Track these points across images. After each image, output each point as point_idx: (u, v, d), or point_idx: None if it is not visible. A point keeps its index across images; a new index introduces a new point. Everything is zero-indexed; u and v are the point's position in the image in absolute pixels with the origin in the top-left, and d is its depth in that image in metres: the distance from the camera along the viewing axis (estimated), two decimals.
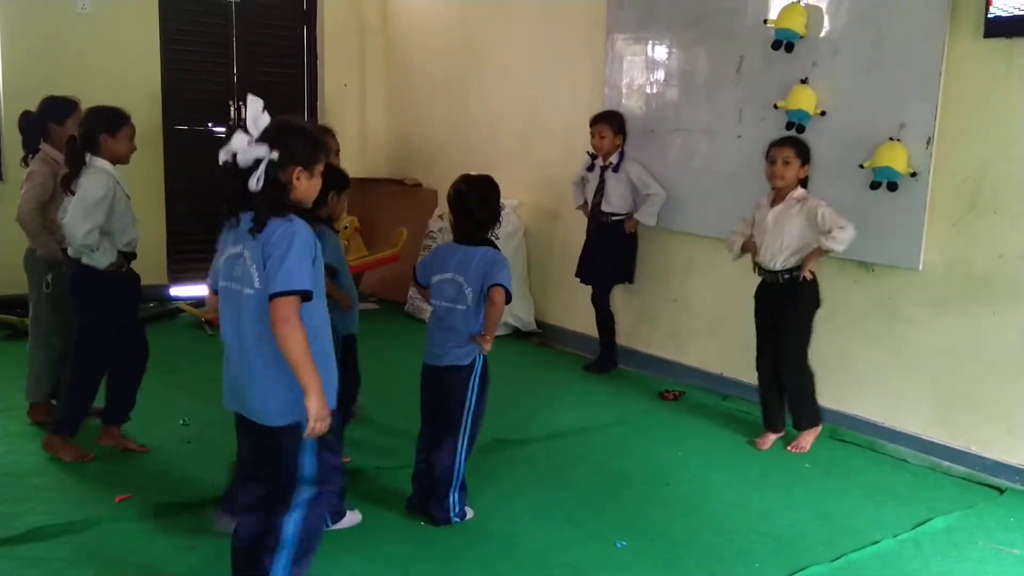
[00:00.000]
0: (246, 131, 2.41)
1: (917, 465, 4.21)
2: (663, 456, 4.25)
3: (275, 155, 2.40)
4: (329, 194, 3.60)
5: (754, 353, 4.47)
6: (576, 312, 6.12)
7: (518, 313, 6.38)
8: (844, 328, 4.54)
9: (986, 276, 4.02)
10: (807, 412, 4.38)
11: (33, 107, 4.34)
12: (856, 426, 4.53)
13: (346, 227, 6.75)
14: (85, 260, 3.82)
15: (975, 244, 4.04)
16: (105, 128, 3.83)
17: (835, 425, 4.57)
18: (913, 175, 4.13)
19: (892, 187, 4.20)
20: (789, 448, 4.34)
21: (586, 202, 5.59)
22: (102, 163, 3.83)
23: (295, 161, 2.46)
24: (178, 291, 7.09)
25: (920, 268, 4.21)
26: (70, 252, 3.88)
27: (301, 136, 2.51)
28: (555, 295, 6.36)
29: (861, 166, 4.28)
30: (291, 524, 2.56)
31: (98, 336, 3.90)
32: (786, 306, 4.24)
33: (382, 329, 6.14)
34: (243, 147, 2.40)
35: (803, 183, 4.20)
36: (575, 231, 6.05)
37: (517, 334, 6.42)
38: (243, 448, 2.67)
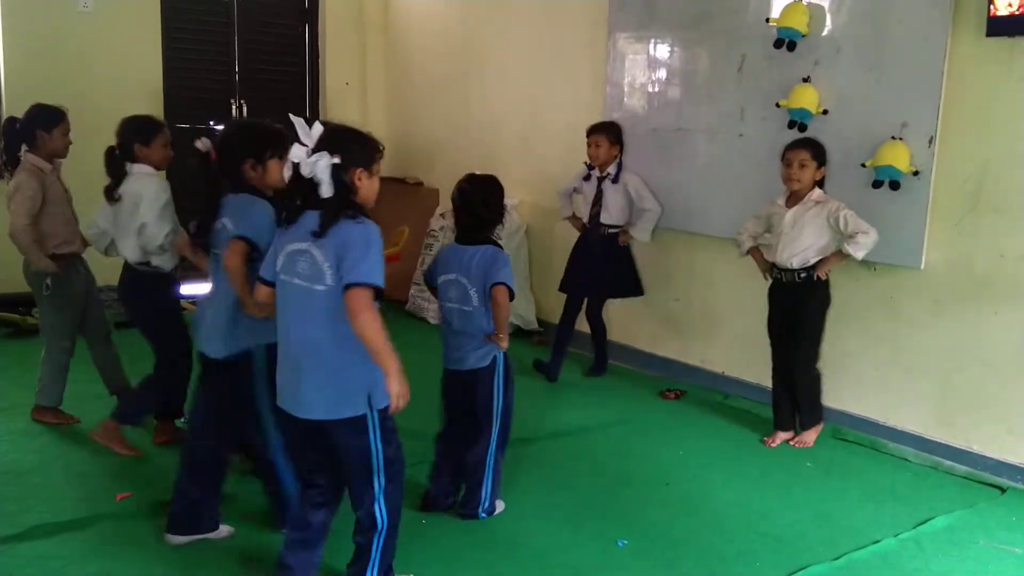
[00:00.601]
0: (301, 143, 2.57)
1: (918, 464, 4.21)
2: (664, 455, 4.25)
3: (337, 160, 2.55)
4: None
5: (755, 352, 4.47)
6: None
7: (520, 312, 6.38)
8: (845, 327, 4.53)
9: (988, 276, 4.01)
10: (813, 410, 4.40)
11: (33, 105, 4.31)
12: (857, 425, 4.52)
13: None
14: (155, 262, 3.83)
15: (977, 243, 4.04)
16: (138, 139, 3.86)
17: (836, 424, 4.57)
18: (915, 174, 4.13)
19: (894, 186, 4.19)
20: (792, 443, 4.36)
21: (575, 214, 5.53)
22: (145, 168, 3.86)
23: (356, 163, 2.61)
24: (183, 289, 7.05)
25: (922, 267, 4.20)
26: (130, 259, 3.88)
27: (356, 139, 2.68)
28: (556, 294, 6.32)
29: (863, 165, 4.27)
30: (377, 509, 2.72)
31: (177, 334, 3.92)
32: (800, 305, 4.27)
33: (398, 327, 6.14)
34: (303, 157, 2.56)
35: (819, 184, 4.21)
36: (576, 230, 6.05)
37: (519, 333, 6.41)
38: (301, 444, 2.77)
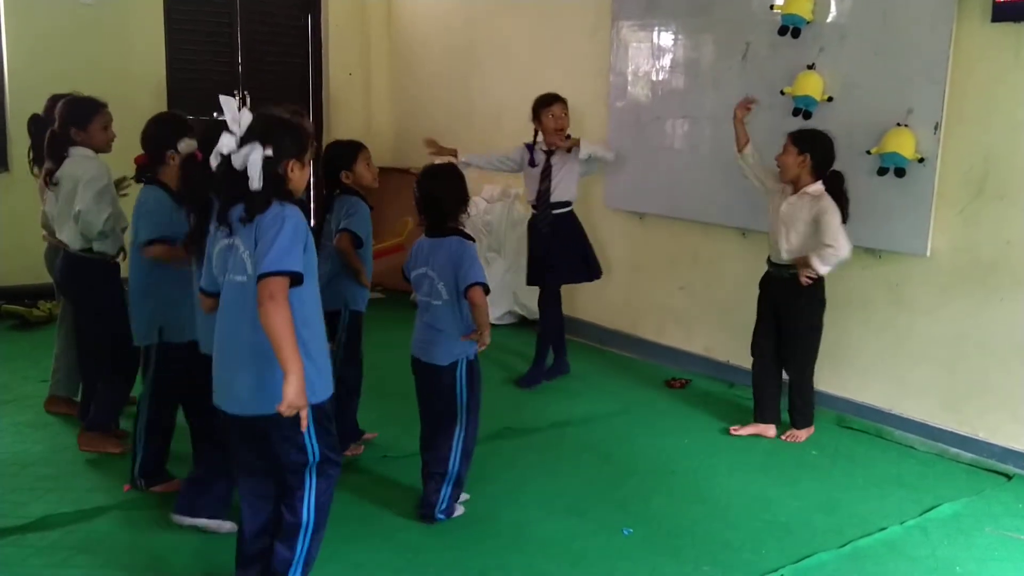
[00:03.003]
0: (230, 131, 2.44)
1: (924, 452, 4.21)
2: (669, 444, 4.25)
3: (269, 152, 2.44)
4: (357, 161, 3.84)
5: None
6: (582, 300, 6.12)
7: (524, 302, 6.38)
8: (851, 315, 4.52)
9: (993, 262, 4.00)
10: (806, 411, 4.34)
11: (38, 100, 4.30)
12: (863, 413, 4.52)
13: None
14: (97, 247, 3.81)
15: (982, 230, 4.02)
16: (73, 122, 3.83)
17: (841, 412, 4.57)
18: (920, 161, 4.11)
19: (899, 173, 4.17)
20: (784, 437, 4.32)
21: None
22: (83, 151, 3.82)
23: (288, 155, 2.50)
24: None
25: (927, 254, 4.19)
26: (71, 245, 3.85)
27: (288, 129, 2.54)
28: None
29: (868, 152, 4.26)
30: (304, 506, 2.59)
31: (119, 326, 3.86)
32: (791, 304, 4.21)
33: (387, 317, 6.14)
34: (233, 148, 2.43)
35: (824, 178, 4.08)
36: (581, 219, 6.04)
37: (523, 323, 6.41)
38: (237, 443, 2.64)
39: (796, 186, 4.11)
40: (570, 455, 4.09)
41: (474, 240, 3.40)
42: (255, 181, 2.41)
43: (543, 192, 5.00)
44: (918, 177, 4.14)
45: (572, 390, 5.05)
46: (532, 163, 5.04)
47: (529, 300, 6.40)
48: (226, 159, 2.45)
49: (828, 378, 4.66)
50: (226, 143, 2.44)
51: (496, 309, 6.30)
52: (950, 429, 4.20)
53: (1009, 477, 3.93)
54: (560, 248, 5.04)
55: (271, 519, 2.66)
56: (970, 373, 4.12)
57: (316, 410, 2.51)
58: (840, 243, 3.96)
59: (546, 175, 4.99)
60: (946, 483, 3.87)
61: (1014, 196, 3.91)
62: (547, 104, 4.95)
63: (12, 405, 4.49)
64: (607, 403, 4.82)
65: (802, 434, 4.33)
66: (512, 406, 4.72)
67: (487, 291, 3.27)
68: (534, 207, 5.08)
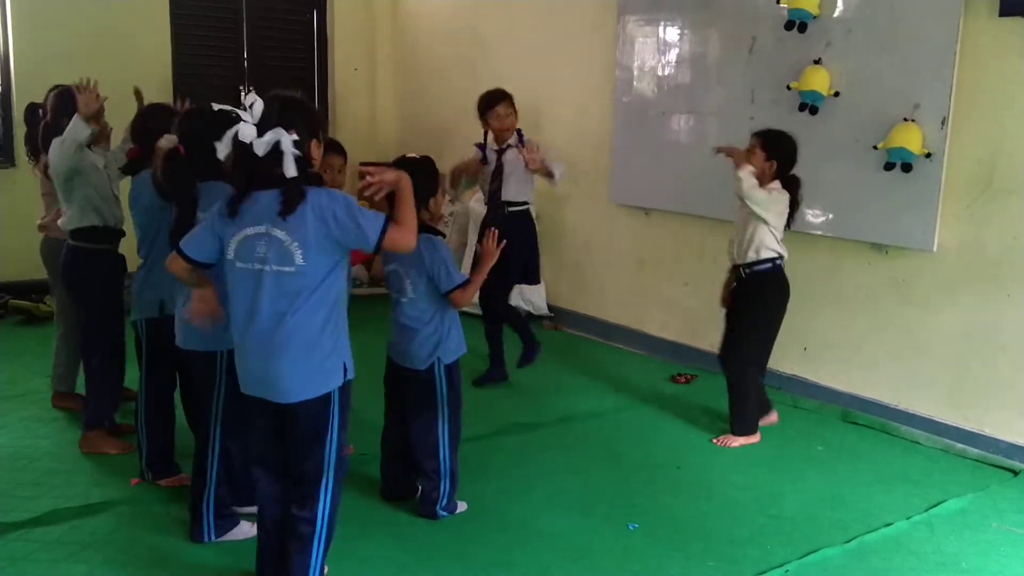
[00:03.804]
0: (245, 119, 2.43)
1: (930, 447, 4.20)
2: (674, 440, 4.25)
3: (295, 135, 2.44)
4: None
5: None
6: (588, 296, 6.12)
7: (530, 297, 6.38)
8: (857, 310, 4.51)
9: (1000, 258, 3.99)
10: (743, 417, 4.18)
11: (40, 94, 4.31)
12: (868, 408, 4.51)
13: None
14: (94, 221, 3.83)
15: (989, 226, 4.01)
16: (66, 113, 3.87)
17: (847, 408, 4.56)
18: (927, 156, 4.10)
19: (906, 168, 4.16)
20: (714, 440, 4.19)
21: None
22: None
23: (310, 135, 2.51)
24: None
25: (934, 250, 4.18)
26: (70, 225, 3.87)
27: (304, 110, 2.56)
28: (567, 279, 6.35)
29: (875, 147, 4.24)
30: (323, 506, 2.61)
31: (117, 320, 3.92)
32: (737, 301, 4.16)
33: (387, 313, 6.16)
34: (253, 136, 2.42)
35: (784, 181, 4.00)
36: (586, 215, 6.04)
37: (530, 318, 6.41)
38: (263, 436, 2.66)
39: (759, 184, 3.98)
40: (576, 450, 4.09)
41: (443, 235, 3.38)
42: (290, 168, 2.42)
43: (494, 191, 4.86)
44: (925, 172, 4.13)
45: (577, 385, 5.05)
46: (484, 161, 4.92)
47: (535, 296, 6.41)
48: (244, 147, 2.42)
49: (834, 373, 4.66)
50: (246, 131, 2.42)
51: None
52: (956, 425, 4.19)
53: (1015, 473, 3.92)
54: (507, 248, 4.88)
55: (284, 520, 2.66)
56: (976, 369, 4.11)
57: (343, 394, 2.59)
58: (749, 180, 3.88)
59: (497, 174, 4.85)
60: (952, 479, 3.86)
61: (1021, 191, 3.89)
62: (489, 105, 4.82)
63: (19, 400, 4.50)
64: (613, 398, 4.82)
65: (736, 441, 4.16)
66: (517, 402, 4.72)
67: (467, 284, 3.28)
68: (487, 206, 4.99)
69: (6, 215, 6.12)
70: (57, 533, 3.18)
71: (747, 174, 3.91)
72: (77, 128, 3.69)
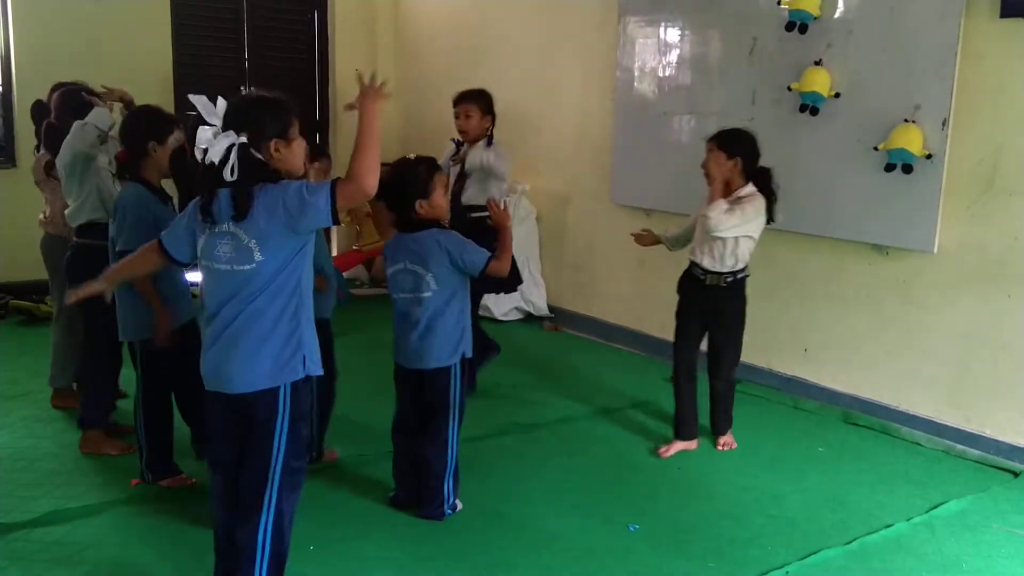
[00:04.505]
0: (207, 124, 2.42)
1: (931, 448, 4.20)
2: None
3: (244, 138, 2.41)
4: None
5: (766, 338, 4.45)
6: (589, 297, 6.12)
7: (531, 298, 6.38)
8: (858, 311, 4.52)
9: (1001, 259, 3.99)
10: (729, 413, 4.18)
11: (41, 94, 4.32)
12: (869, 410, 4.51)
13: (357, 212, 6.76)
14: (99, 217, 3.83)
15: (990, 227, 4.01)
16: (70, 113, 3.93)
17: (848, 408, 4.56)
18: (928, 157, 4.10)
19: (907, 169, 4.16)
20: (720, 447, 4.14)
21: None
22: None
23: (268, 136, 2.46)
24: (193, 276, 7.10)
25: (935, 251, 4.18)
26: (75, 221, 3.88)
27: (264, 108, 2.50)
28: (568, 280, 6.35)
29: (876, 148, 4.24)
30: (264, 523, 2.53)
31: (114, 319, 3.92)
32: (720, 308, 4.04)
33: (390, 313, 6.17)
34: (210, 140, 2.40)
35: (756, 182, 3.86)
36: (587, 215, 6.04)
37: (530, 319, 6.42)
38: (217, 434, 2.63)
39: (728, 191, 3.86)
40: (574, 451, 4.09)
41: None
42: (227, 171, 2.39)
43: (455, 193, 4.54)
44: (926, 173, 4.13)
45: (577, 385, 5.05)
46: (453, 160, 4.76)
47: (535, 296, 6.41)
48: (201, 152, 2.43)
49: (835, 374, 4.66)
50: (202, 137, 2.41)
51: (502, 305, 6.31)
52: (957, 426, 4.19)
53: (1016, 474, 3.91)
54: None
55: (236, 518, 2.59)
56: (978, 370, 4.11)
57: (299, 391, 2.53)
58: (719, 219, 3.75)
59: (460, 176, 4.67)
60: (953, 480, 3.86)
61: (1022, 192, 3.89)
62: (454, 104, 4.73)
63: (20, 400, 4.51)
64: (612, 399, 4.82)
65: (731, 437, 4.20)
66: (518, 402, 4.72)
67: (499, 253, 3.30)
68: (450, 209, 4.67)
69: (7, 215, 6.12)
70: (58, 533, 3.18)
71: (715, 212, 3.76)
72: (101, 116, 3.72)
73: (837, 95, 4.44)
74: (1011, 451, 4.00)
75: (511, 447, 4.09)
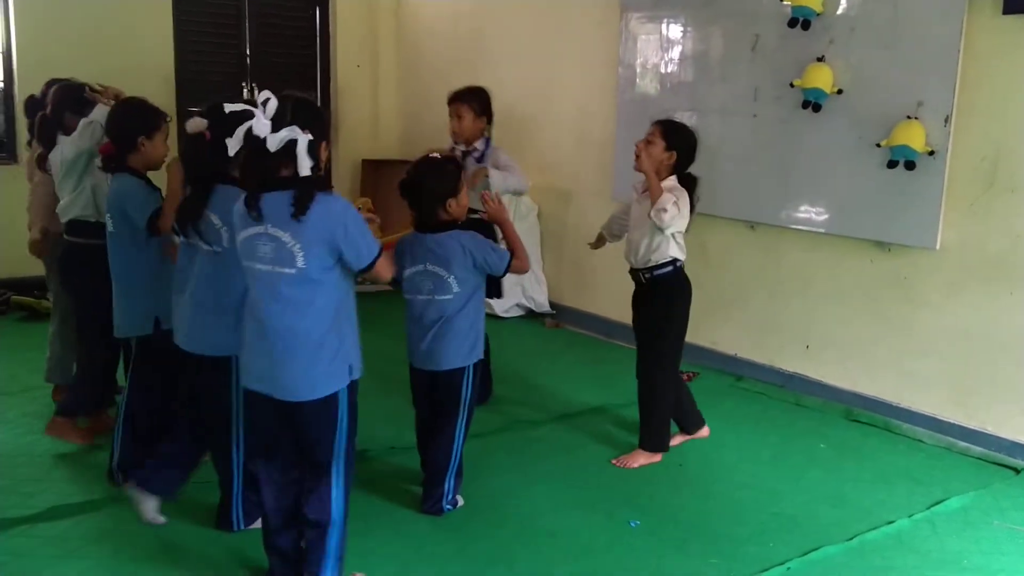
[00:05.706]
0: (259, 114, 2.43)
1: (932, 445, 4.19)
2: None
3: (310, 137, 2.44)
4: None
5: (768, 334, 4.45)
6: (591, 293, 6.11)
7: (532, 295, 6.38)
8: (859, 308, 4.51)
9: (1003, 256, 3.98)
10: (659, 431, 3.90)
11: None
12: (871, 406, 4.51)
13: (359, 208, 6.74)
14: (89, 215, 3.83)
15: (992, 224, 4.00)
16: (68, 108, 3.94)
17: (849, 405, 4.56)
18: (931, 154, 4.09)
19: (909, 166, 4.16)
20: (614, 461, 3.89)
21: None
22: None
23: (322, 137, 2.53)
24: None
25: (937, 248, 4.17)
26: (68, 215, 3.86)
27: (317, 112, 2.57)
28: (569, 277, 6.35)
29: (878, 145, 4.24)
30: (336, 499, 2.64)
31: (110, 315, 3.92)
32: (640, 310, 3.92)
33: (395, 309, 6.16)
34: (266, 130, 2.41)
35: (679, 177, 3.79)
36: (589, 212, 6.04)
37: (531, 316, 6.42)
38: (266, 429, 2.69)
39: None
40: (577, 447, 4.09)
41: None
42: (304, 167, 2.43)
43: None
44: (928, 170, 4.12)
45: (579, 383, 5.05)
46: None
47: (536, 293, 6.41)
48: (256, 144, 2.41)
49: (836, 371, 4.66)
50: (261, 126, 2.40)
51: (504, 302, 6.31)
52: (958, 422, 4.19)
53: (1017, 471, 3.91)
54: None
55: (294, 510, 2.69)
56: (979, 367, 4.11)
57: (351, 392, 2.62)
58: (673, 216, 3.62)
59: None
60: (954, 476, 3.86)
61: None
62: (448, 103, 4.59)
63: (21, 396, 4.51)
64: (614, 396, 4.81)
65: (641, 458, 3.87)
66: (519, 398, 4.72)
67: (515, 251, 3.33)
68: None
69: (8, 211, 6.12)
70: (61, 528, 3.19)
71: (671, 210, 3.63)
72: (104, 114, 3.72)
73: (839, 92, 4.43)
74: (1012, 448, 4.00)
75: (512, 443, 4.10)
